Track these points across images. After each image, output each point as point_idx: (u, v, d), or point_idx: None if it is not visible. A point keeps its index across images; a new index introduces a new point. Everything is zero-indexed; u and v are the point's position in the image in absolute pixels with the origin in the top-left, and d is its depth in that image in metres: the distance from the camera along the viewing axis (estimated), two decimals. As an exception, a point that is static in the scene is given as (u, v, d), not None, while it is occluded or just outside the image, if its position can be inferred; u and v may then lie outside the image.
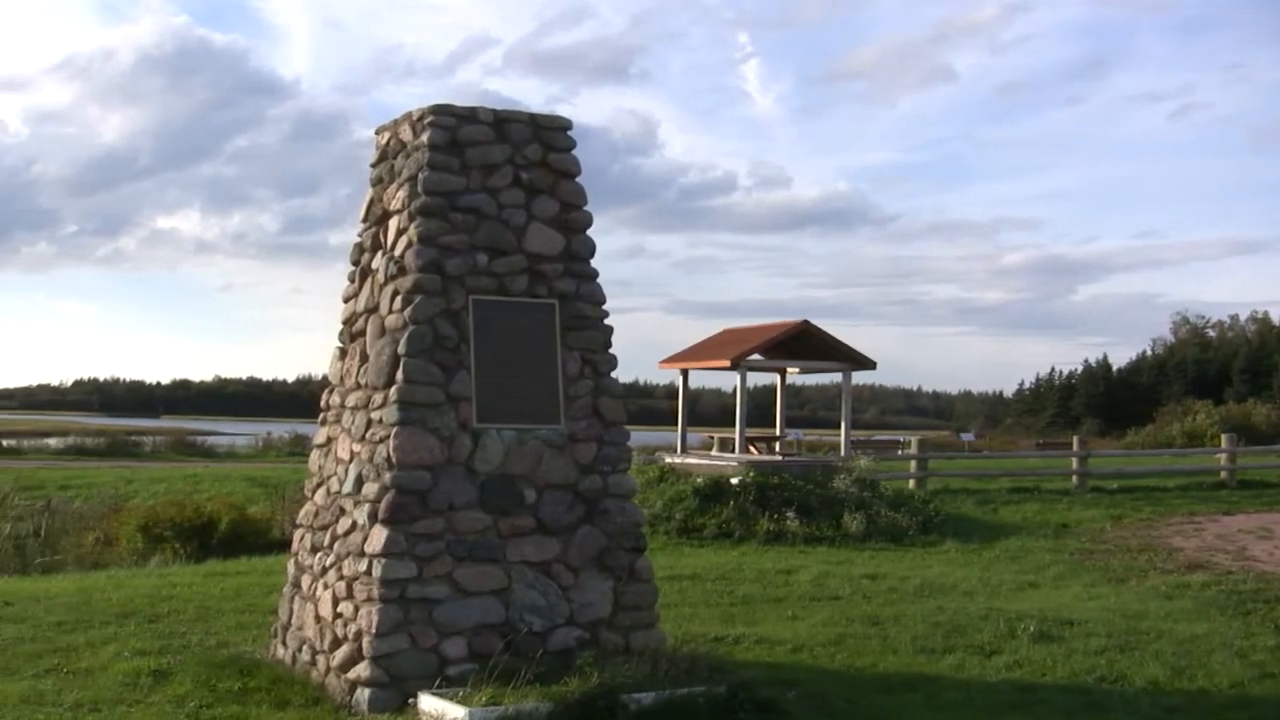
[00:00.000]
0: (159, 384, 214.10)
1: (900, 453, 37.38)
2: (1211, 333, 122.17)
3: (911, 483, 30.79)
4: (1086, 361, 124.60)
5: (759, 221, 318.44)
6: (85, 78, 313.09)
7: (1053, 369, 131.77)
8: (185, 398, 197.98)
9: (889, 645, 13.82)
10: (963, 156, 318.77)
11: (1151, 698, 11.69)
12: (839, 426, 36.87)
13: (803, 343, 33.77)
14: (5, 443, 56.72)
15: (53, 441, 59.87)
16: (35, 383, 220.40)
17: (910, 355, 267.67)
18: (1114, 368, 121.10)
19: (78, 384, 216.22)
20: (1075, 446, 35.15)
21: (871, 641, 14.01)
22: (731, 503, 25.31)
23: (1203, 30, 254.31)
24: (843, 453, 34.19)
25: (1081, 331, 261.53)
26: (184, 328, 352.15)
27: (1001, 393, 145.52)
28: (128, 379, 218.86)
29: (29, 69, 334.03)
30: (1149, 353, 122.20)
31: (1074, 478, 32.64)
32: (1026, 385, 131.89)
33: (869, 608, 16.33)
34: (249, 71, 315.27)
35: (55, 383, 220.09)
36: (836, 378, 36.23)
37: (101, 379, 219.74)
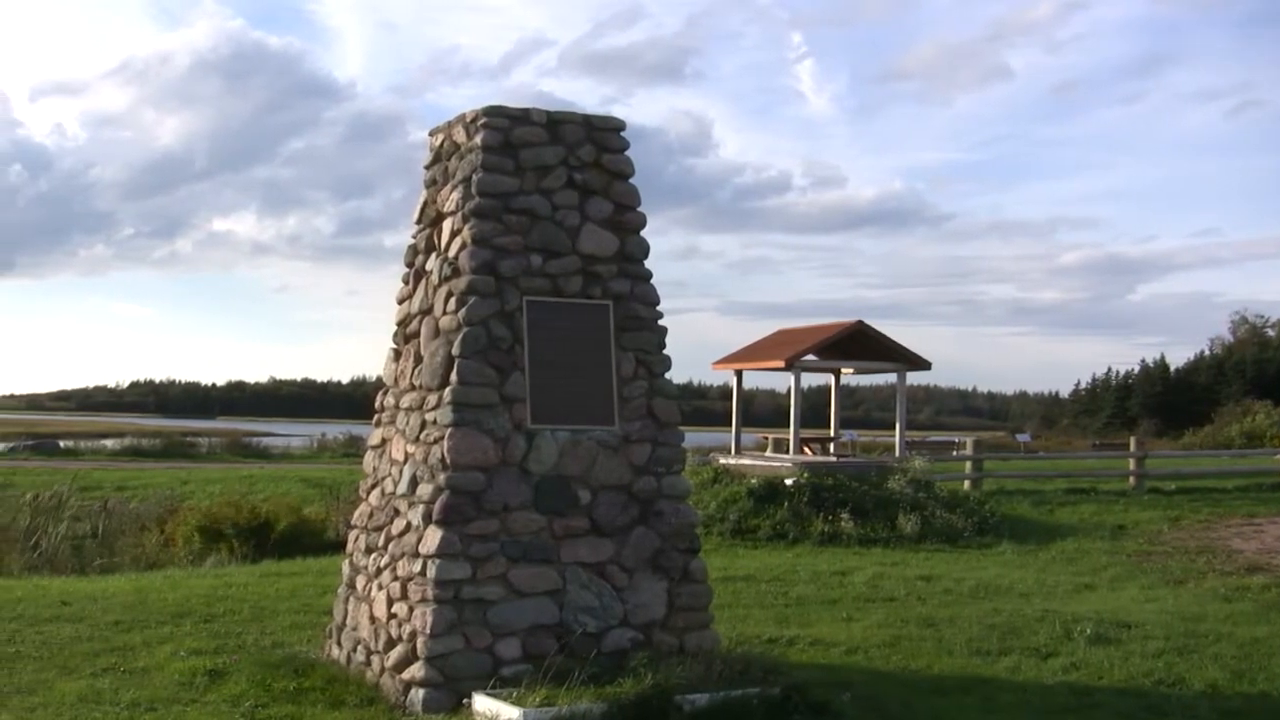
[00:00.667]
0: (214, 385, 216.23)
1: (955, 453, 37.24)
2: (1271, 332, 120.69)
3: (967, 484, 30.67)
4: (1143, 361, 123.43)
5: (814, 222, 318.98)
6: (142, 82, 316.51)
7: (1109, 369, 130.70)
8: (241, 399, 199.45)
9: (944, 647, 13.75)
10: (1019, 155, 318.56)
11: (1211, 701, 11.59)
12: (894, 427, 36.71)
13: (857, 343, 33.73)
14: (63, 444, 57.17)
15: (109, 443, 60.26)
16: (92, 384, 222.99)
17: (966, 355, 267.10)
18: (1171, 368, 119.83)
19: (134, 385, 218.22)
20: (1132, 447, 34.88)
21: (926, 643, 13.94)
22: (786, 504, 25.24)
23: (1261, 26, 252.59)
24: (897, 454, 34.08)
25: (1139, 331, 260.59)
26: (239, 329, 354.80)
27: (1057, 393, 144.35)
28: (184, 380, 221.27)
29: (86, 73, 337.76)
30: (1207, 352, 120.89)
31: (1131, 479, 32.43)
32: (1083, 385, 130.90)
33: (924, 609, 16.26)
34: (304, 74, 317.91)
35: (112, 384, 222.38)
36: (891, 378, 36.04)
37: (158, 380, 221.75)
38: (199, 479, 36.90)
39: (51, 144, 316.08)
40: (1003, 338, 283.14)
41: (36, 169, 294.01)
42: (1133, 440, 36.38)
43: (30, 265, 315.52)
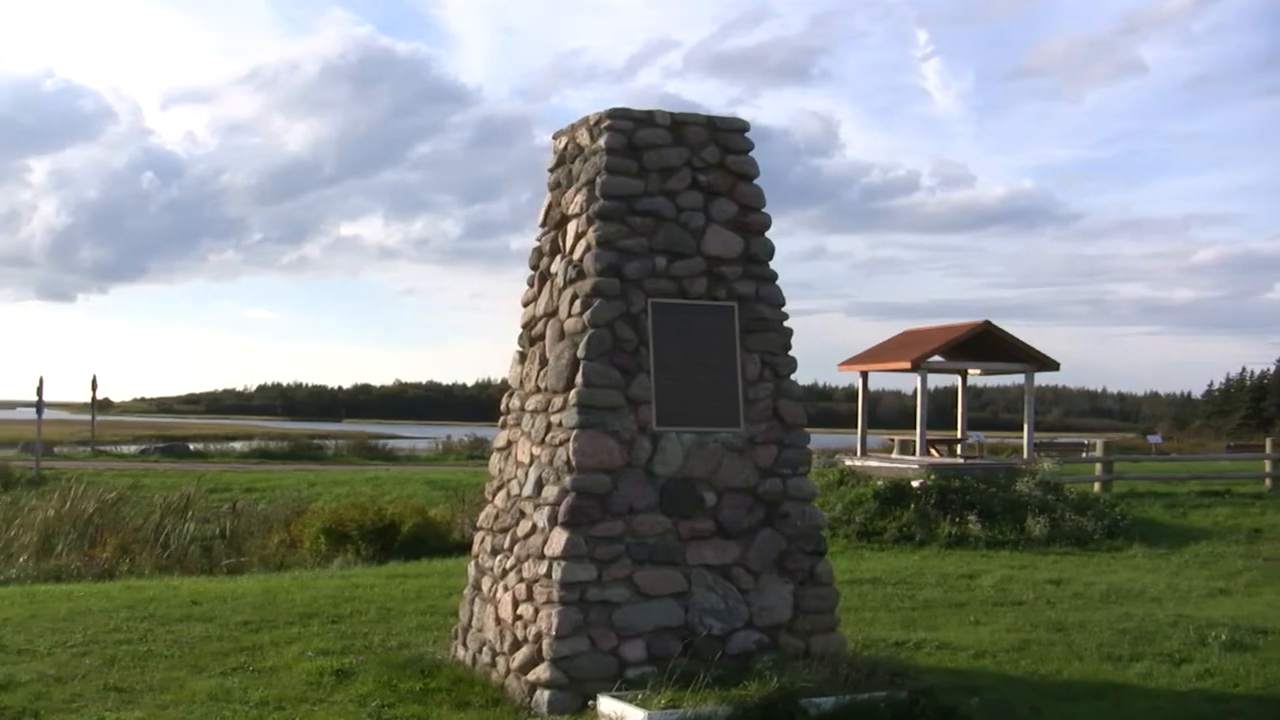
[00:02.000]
0: (341, 389, 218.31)
1: (1085, 455, 36.80)
2: None
3: (1096, 486, 30.32)
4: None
5: (942, 221, 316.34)
6: (271, 89, 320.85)
7: (1243, 369, 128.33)
8: (366, 402, 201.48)
9: (1074, 652, 13.57)
10: (1152, 152, 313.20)
11: (1353, 710, 11.34)
12: (1021, 429, 36.36)
13: (984, 344, 33.36)
14: (192, 446, 58.06)
15: (238, 445, 61.14)
16: (221, 388, 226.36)
17: (1095, 356, 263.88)
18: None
19: (262, 389, 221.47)
20: (1268, 449, 34.31)
21: (1056, 648, 13.77)
22: (912, 506, 25.11)
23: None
24: (1025, 455, 33.74)
25: (1275, 330, 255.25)
26: (366, 333, 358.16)
27: (1189, 394, 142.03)
28: (310, 384, 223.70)
29: (216, 81, 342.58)
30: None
31: (1267, 481, 31.92)
32: (1216, 386, 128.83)
33: (1053, 613, 16.05)
34: (431, 79, 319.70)
35: (240, 388, 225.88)
36: (1019, 379, 35.68)
37: (285, 384, 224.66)
38: (326, 481, 37.32)
39: (182, 151, 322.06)
40: (1133, 337, 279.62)
41: (168, 176, 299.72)
42: (1269, 441, 35.77)
43: (162, 271, 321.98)
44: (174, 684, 11.34)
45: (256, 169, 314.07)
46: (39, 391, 46.57)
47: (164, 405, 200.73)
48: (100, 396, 62.13)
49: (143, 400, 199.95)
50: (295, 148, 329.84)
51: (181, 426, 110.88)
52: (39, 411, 46.75)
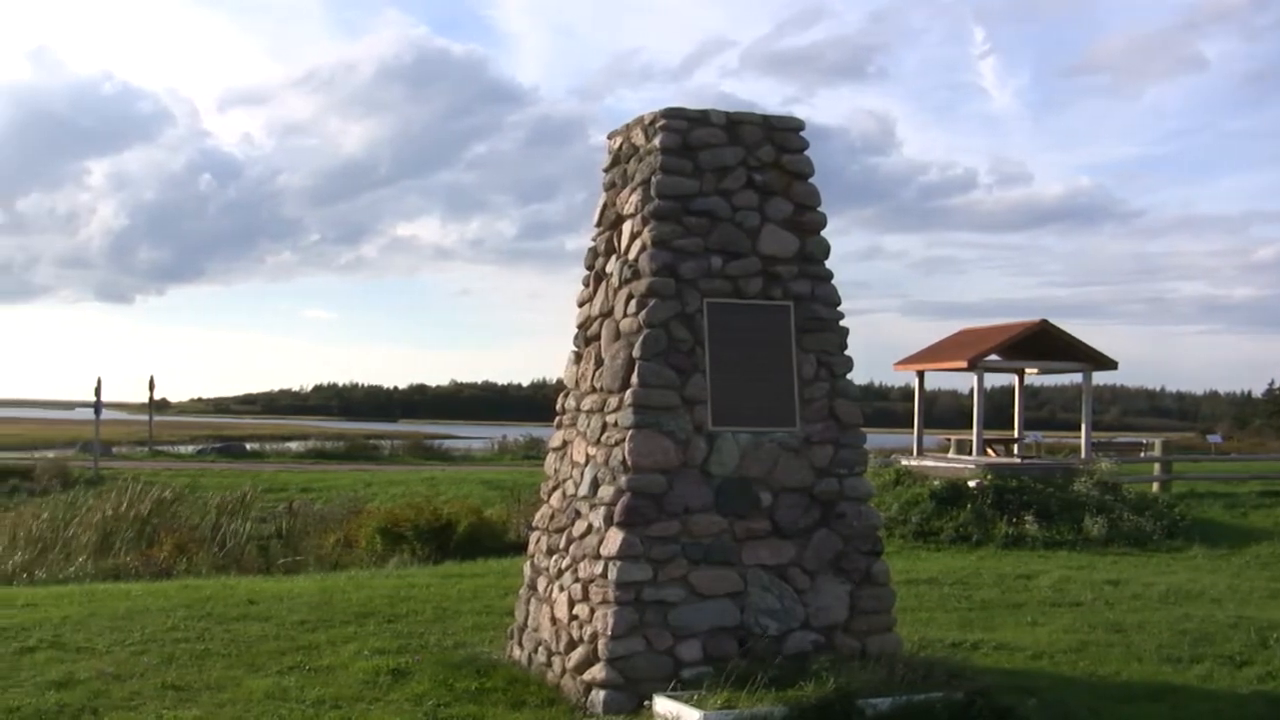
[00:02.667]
0: (396, 389, 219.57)
1: (1143, 455, 36.52)
2: None
3: (1155, 486, 30.14)
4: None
5: (999, 220, 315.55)
6: (327, 90, 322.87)
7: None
8: (422, 402, 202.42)
9: (1133, 653, 13.46)
10: (1212, 148, 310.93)
11: None
12: (1079, 428, 36.14)
13: (1042, 343, 33.19)
14: (249, 446, 58.41)
15: (294, 445, 61.64)
16: (277, 388, 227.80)
17: (1154, 354, 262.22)
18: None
19: (318, 389, 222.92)
20: (1329, 449, 33.98)
21: (1114, 649, 13.66)
22: (969, 506, 25.02)
23: None
24: (1083, 455, 33.56)
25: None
26: (421, 333, 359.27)
27: (1250, 393, 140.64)
28: (366, 384, 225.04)
29: (272, 83, 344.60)
30: None
31: (1328, 481, 31.55)
32: (1277, 385, 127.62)
33: (1111, 614, 15.94)
34: (487, 80, 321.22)
35: (296, 388, 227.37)
36: (1076, 378, 35.50)
37: (341, 384, 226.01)
38: (381, 481, 37.44)
39: (239, 153, 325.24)
40: (1193, 336, 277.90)
41: (225, 178, 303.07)
42: (1329, 441, 35.42)
43: (220, 272, 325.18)
44: (231, 683, 11.40)
45: (313, 170, 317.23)
46: (97, 392, 46.94)
47: (221, 406, 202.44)
48: (157, 397, 62.55)
49: (200, 401, 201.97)
50: (351, 149, 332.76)
51: (238, 427, 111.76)
52: (97, 412, 47.10)
